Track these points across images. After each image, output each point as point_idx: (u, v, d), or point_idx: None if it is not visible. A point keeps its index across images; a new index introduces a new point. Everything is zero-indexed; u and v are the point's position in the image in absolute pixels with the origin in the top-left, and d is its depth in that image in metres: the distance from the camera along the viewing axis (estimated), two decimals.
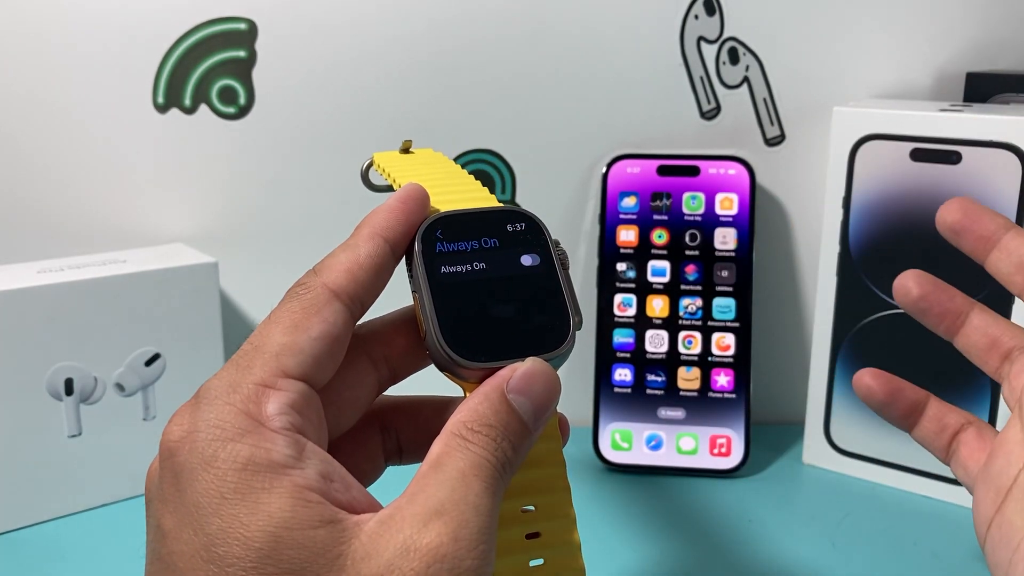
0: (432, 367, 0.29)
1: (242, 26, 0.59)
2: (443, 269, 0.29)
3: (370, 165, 0.36)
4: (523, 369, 0.27)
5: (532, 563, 0.28)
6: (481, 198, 0.31)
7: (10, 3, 0.57)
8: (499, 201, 0.33)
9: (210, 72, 0.59)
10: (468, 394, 0.27)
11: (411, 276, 0.29)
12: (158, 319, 0.54)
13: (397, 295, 0.31)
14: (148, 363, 0.54)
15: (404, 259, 0.30)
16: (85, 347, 0.52)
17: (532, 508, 0.29)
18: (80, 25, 0.58)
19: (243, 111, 0.60)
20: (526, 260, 0.30)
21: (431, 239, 0.29)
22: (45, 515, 0.52)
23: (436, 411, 0.33)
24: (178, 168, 0.61)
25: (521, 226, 0.30)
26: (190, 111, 0.60)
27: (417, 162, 0.35)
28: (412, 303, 0.30)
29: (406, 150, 0.36)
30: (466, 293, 0.28)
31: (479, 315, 0.28)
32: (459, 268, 0.29)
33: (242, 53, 0.59)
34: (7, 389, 0.50)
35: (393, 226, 0.29)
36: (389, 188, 0.34)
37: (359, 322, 0.30)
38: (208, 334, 0.56)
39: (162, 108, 0.60)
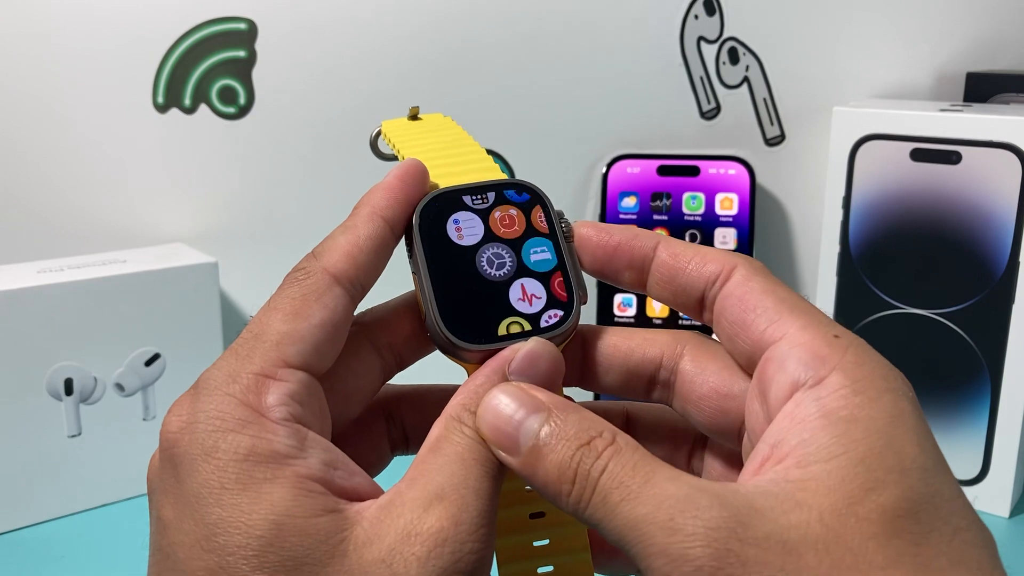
0: (438, 353, 0.29)
1: (242, 26, 0.59)
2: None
3: (379, 134, 0.35)
4: (526, 349, 0.26)
5: (536, 543, 0.28)
6: (484, 168, 0.30)
7: (10, 3, 0.57)
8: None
9: (210, 72, 0.59)
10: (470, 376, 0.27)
11: (411, 256, 0.28)
12: (158, 319, 0.54)
13: (396, 280, 0.31)
14: (148, 363, 0.54)
15: (404, 238, 0.29)
16: (85, 347, 0.52)
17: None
18: (80, 25, 0.58)
19: (243, 111, 0.60)
20: None
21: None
22: (45, 515, 0.52)
23: (442, 400, 0.32)
24: (178, 168, 0.60)
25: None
26: (190, 111, 0.60)
27: (423, 130, 0.34)
28: (412, 287, 0.29)
29: (414, 116, 0.34)
30: (466, 272, 0.27)
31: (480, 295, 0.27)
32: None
33: (242, 53, 0.59)
34: (7, 389, 0.50)
35: (392, 205, 0.28)
36: (395, 158, 0.33)
37: (362, 310, 0.29)
38: (208, 334, 0.56)
39: (162, 108, 0.59)
